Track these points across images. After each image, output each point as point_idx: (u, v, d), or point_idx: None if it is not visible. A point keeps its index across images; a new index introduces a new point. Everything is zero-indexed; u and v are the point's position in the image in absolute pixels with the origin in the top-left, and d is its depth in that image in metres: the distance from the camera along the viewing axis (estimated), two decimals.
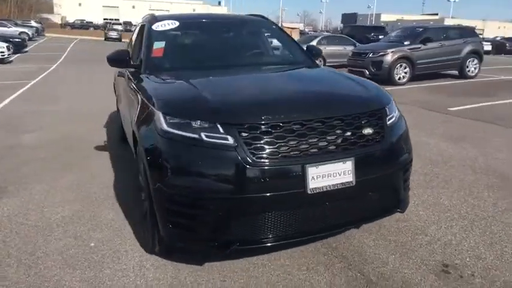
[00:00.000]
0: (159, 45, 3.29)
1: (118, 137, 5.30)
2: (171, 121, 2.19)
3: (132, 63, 3.26)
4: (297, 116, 2.15)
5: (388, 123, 2.42)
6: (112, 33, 39.41)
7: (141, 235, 2.79)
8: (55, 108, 7.32)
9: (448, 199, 3.42)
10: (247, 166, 2.02)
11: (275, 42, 3.99)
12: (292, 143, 2.10)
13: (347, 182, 2.18)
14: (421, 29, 11.30)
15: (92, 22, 60.82)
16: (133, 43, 4.65)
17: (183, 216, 2.13)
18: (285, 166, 2.07)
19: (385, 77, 10.19)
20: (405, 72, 10.50)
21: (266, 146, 2.07)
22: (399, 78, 10.44)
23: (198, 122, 2.12)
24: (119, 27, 44.06)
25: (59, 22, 61.35)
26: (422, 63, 10.64)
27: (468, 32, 11.62)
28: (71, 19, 63.54)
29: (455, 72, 11.54)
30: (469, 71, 11.43)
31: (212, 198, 2.04)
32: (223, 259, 2.48)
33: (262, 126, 2.09)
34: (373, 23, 72.04)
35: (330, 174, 2.14)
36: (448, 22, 61.60)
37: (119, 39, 38.87)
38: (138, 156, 2.70)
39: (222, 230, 2.10)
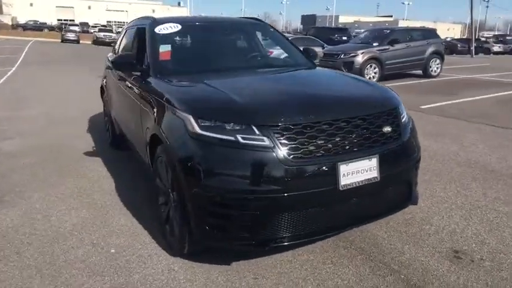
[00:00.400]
0: (165, 48, 3.29)
1: (106, 141, 5.20)
2: (203, 124, 2.22)
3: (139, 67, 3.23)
4: (325, 117, 2.25)
5: (402, 121, 2.59)
6: (69, 35, 37.94)
7: (160, 239, 2.79)
8: (30, 113, 7.01)
9: (442, 191, 3.66)
10: (285, 166, 2.10)
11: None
12: (323, 142, 2.21)
13: (373, 178, 2.31)
14: (388, 31, 11.83)
15: (45, 23, 58.05)
16: (122, 47, 4.59)
17: (221, 217, 2.17)
18: (319, 165, 2.17)
19: None
20: (375, 73, 10.95)
21: (300, 146, 2.16)
22: (370, 79, 10.86)
23: (232, 124, 2.17)
24: (76, 29, 42.44)
25: (10, 23, 58.07)
26: (390, 63, 11.14)
27: (431, 34, 12.31)
28: (22, 20, 60.33)
29: (420, 71, 12.17)
30: (432, 70, 12.10)
31: (251, 198, 2.10)
32: (247, 258, 2.55)
33: (295, 127, 2.17)
34: (333, 24, 74.13)
35: (358, 171, 2.26)
36: (402, 24, 64.49)
37: (77, 41, 37.48)
38: (158, 162, 2.70)
39: (260, 228, 2.16)
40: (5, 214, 3.21)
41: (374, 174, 2.32)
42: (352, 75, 3.33)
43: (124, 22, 63.78)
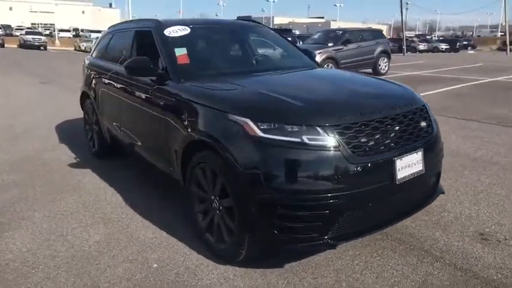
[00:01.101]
0: (181, 51, 3.17)
1: (86, 151, 4.87)
2: (263, 127, 2.19)
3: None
4: (377, 115, 2.33)
5: (431, 116, 2.75)
6: None
7: (200, 248, 2.69)
8: None
9: (443, 180, 3.90)
10: (351, 164, 2.14)
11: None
12: (379, 139, 2.28)
13: (420, 171, 2.43)
14: (341, 32, 12.37)
15: None
16: (110, 51, 4.35)
17: (291, 220, 2.15)
18: (379, 161, 2.24)
19: None
20: None
21: (361, 144, 2.21)
22: None
23: (293, 126, 2.17)
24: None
25: None
26: (344, 62, 11.65)
27: (378, 34, 13.08)
28: None
29: (370, 70, 12.87)
30: (381, 68, 12.86)
31: (320, 198, 2.12)
32: (296, 259, 2.55)
33: (354, 126, 2.22)
34: (270, 25, 76.10)
35: (409, 165, 2.37)
36: (334, 25, 67.58)
37: (1, 45, 34.44)
38: (196, 169, 2.60)
39: (328, 227, 2.18)
40: (12, 238, 2.90)
41: (420, 167, 2.45)
42: (366, 75, 3.46)
43: (51, 24, 59.54)
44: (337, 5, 73.18)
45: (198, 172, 2.63)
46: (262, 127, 2.19)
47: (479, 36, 63.24)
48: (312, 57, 3.97)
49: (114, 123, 4.00)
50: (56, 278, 2.42)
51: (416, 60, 21.14)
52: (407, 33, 64.44)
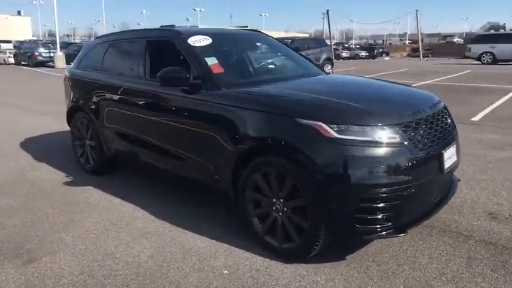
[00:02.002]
0: (212, 60, 3.22)
1: (77, 169, 4.61)
2: (336, 129, 2.38)
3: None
4: (423, 114, 2.65)
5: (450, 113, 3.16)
6: None
7: (260, 250, 2.77)
8: None
9: None
10: (415, 158, 2.41)
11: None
12: (428, 135, 2.59)
13: (456, 161, 2.80)
14: (290, 41, 12.95)
15: None
16: (105, 62, 4.21)
17: (369, 212, 2.35)
18: (434, 153, 2.54)
19: None
20: None
21: (420, 139, 2.50)
22: None
23: (363, 126, 2.39)
24: None
25: None
26: None
27: (322, 43, 13.93)
28: None
29: None
30: None
31: (394, 190, 2.35)
32: (349, 251, 2.77)
33: (411, 124, 2.51)
34: None
35: (450, 157, 2.72)
36: None
37: None
38: (255, 174, 2.69)
39: (399, 216, 2.42)
40: (54, 262, 2.71)
41: (455, 158, 2.81)
42: (382, 80, 3.83)
43: None
44: (262, 14, 75.58)
45: (256, 177, 2.71)
46: (335, 129, 2.38)
47: (391, 44, 69.41)
48: (314, 63, 4.24)
49: (122, 136, 3.87)
50: None
51: (349, 67, 22.63)
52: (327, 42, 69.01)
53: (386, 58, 42.79)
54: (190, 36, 3.41)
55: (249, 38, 4.12)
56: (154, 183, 4.18)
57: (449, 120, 2.95)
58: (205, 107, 2.98)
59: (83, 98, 4.37)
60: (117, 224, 3.28)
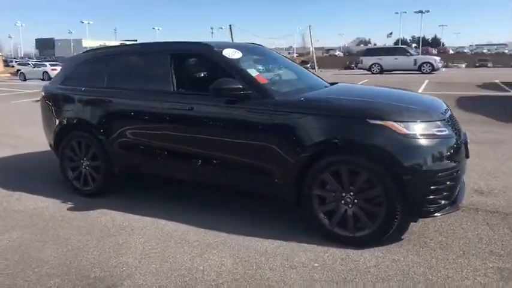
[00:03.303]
0: (253, 72, 3.39)
1: (71, 194, 4.25)
2: (404, 126, 2.81)
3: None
4: (447, 114, 3.25)
5: None
6: None
7: (328, 242, 3.03)
8: None
9: None
10: (458, 146, 2.98)
11: None
12: (454, 129, 3.16)
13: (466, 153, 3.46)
14: None
15: None
16: (109, 76, 4.03)
17: (436, 194, 2.81)
18: (464, 142, 3.14)
19: None
20: None
21: (453, 132, 3.07)
22: None
23: (423, 123, 2.86)
24: None
25: None
26: None
27: None
28: None
29: None
30: None
31: (451, 172, 2.86)
32: (399, 231, 3.21)
33: (448, 120, 3.09)
34: (73, 48, 72.88)
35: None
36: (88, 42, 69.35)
37: None
38: (326, 172, 2.97)
39: (452, 195, 2.94)
40: (137, 285, 2.58)
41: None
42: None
43: None
44: (155, 27, 74.37)
45: (324, 176, 2.98)
46: (403, 126, 2.80)
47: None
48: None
49: (147, 153, 3.77)
50: None
51: None
52: None
53: None
54: (223, 49, 3.53)
55: (260, 51, 4.33)
56: (164, 195, 4.13)
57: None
58: (263, 115, 3.14)
59: (82, 116, 4.07)
60: (171, 240, 3.20)
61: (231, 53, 3.52)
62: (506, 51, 71.44)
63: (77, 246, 3.14)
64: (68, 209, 3.88)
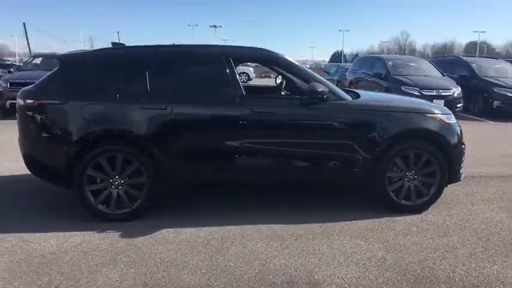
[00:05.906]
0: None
1: (97, 221, 3.63)
2: (447, 117, 3.86)
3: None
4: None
5: None
6: None
7: (372, 213, 3.79)
8: None
9: None
10: (461, 130, 4.22)
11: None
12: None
13: None
14: None
15: None
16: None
17: (461, 163, 4.03)
18: None
19: None
20: None
21: None
22: None
23: (448, 115, 3.96)
24: None
25: None
26: None
27: None
28: None
29: None
30: None
31: (463, 148, 4.06)
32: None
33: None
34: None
35: None
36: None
37: None
38: (400, 157, 3.74)
39: (462, 166, 4.11)
40: None
41: None
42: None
43: None
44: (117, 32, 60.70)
45: (396, 159, 3.75)
46: (447, 117, 3.87)
47: None
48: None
49: (215, 160, 3.79)
50: None
51: None
52: None
53: None
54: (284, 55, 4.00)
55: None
56: (206, 203, 4.20)
57: None
58: (345, 114, 3.75)
59: (119, 127, 3.65)
60: (265, 241, 3.32)
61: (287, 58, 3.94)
62: None
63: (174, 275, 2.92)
64: (108, 242, 3.30)
